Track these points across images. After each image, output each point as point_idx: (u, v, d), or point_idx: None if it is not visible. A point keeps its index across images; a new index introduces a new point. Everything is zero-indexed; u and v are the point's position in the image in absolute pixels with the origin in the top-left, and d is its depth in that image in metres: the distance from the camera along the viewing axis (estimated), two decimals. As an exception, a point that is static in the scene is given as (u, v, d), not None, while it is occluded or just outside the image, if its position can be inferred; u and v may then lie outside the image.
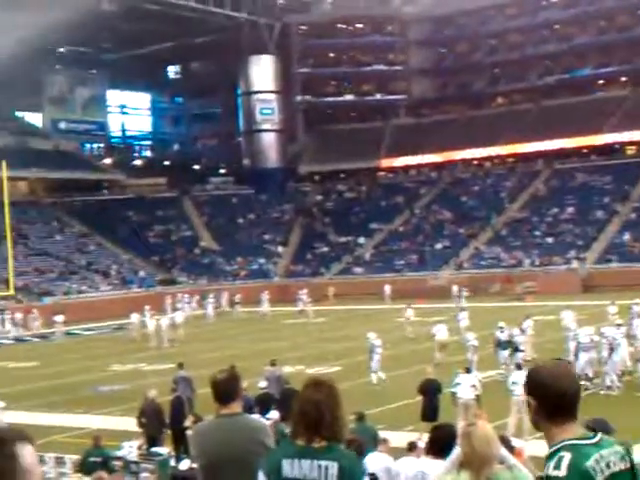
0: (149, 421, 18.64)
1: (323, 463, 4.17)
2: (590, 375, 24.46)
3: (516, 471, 5.33)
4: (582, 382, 23.80)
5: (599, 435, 3.42)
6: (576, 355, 24.66)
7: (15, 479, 2.11)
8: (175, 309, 53.37)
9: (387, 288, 58.17)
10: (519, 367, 20.92)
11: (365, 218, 76.59)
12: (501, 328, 27.85)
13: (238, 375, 5.68)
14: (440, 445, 6.43)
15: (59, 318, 48.22)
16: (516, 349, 26.39)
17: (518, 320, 30.46)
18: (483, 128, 77.70)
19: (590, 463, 3.27)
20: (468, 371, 20.70)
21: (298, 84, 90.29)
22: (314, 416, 4.22)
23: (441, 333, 31.35)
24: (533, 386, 3.46)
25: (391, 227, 74.57)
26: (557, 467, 3.31)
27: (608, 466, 3.31)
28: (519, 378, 19.81)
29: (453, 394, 19.82)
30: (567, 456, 3.29)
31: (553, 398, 3.38)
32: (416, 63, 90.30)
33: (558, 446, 3.36)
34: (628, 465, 3.38)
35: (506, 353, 26.78)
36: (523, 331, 28.29)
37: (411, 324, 39.96)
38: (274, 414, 16.56)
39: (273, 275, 70.84)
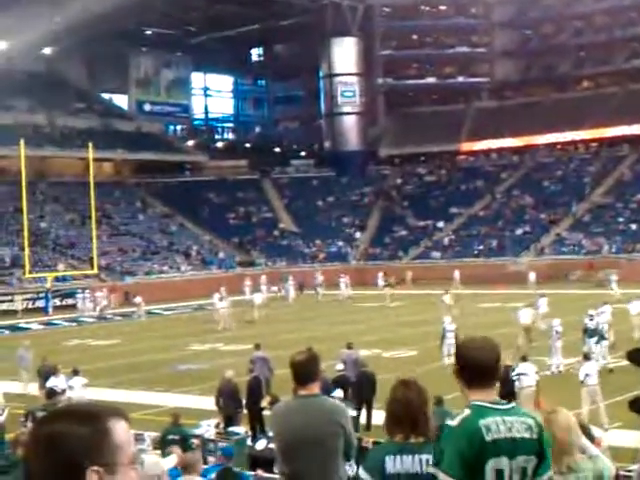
0: (226, 401, 18.85)
1: (424, 457, 4.36)
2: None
3: (599, 462, 5.32)
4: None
5: (512, 404, 3.86)
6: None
7: (106, 454, 2.14)
8: (256, 291, 53.73)
9: (457, 274, 57.68)
10: (587, 357, 20.58)
11: (444, 202, 76.03)
12: (590, 316, 27.39)
13: (317, 356, 5.73)
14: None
15: (137, 299, 48.95)
16: (602, 337, 25.94)
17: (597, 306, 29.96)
18: (567, 112, 76.33)
19: (484, 422, 3.67)
20: (524, 359, 20.45)
21: (380, 66, 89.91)
22: (408, 415, 4.48)
23: (524, 317, 31.14)
24: (457, 355, 3.95)
25: (471, 211, 73.91)
26: (453, 419, 3.78)
27: (509, 430, 3.68)
28: (590, 368, 19.58)
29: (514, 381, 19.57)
30: (466, 412, 3.75)
31: (470, 367, 3.82)
32: (499, 45, 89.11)
33: (466, 405, 3.80)
34: (535, 437, 3.73)
35: (593, 341, 26.39)
36: (591, 317, 27.68)
37: (449, 309, 39.76)
38: (338, 393, 16.60)
39: (351, 258, 70.88)
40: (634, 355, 16.38)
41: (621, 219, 65.59)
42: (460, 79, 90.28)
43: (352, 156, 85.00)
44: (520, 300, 44.65)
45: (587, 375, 19.56)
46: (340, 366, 20.55)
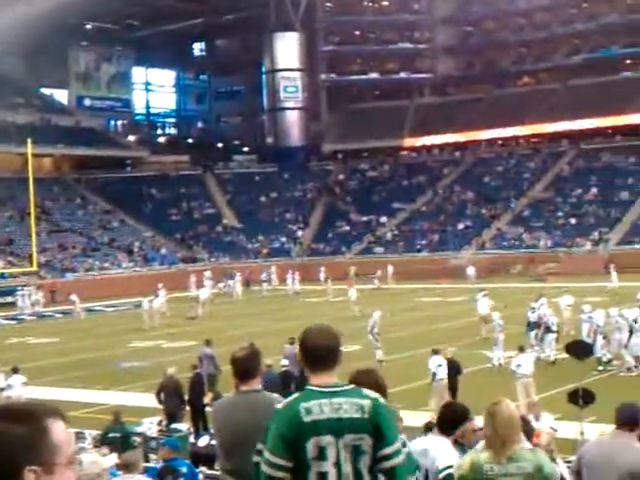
0: (168, 398, 18.72)
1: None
2: (604, 359, 24.30)
3: (539, 454, 5.42)
4: (599, 366, 23.71)
5: (347, 387, 4.12)
6: (594, 338, 24.51)
7: (43, 454, 2.11)
8: (200, 287, 53.50)
9: (390, 268, 58.40)
10: (522, 349, 20.84)
11: (387, 197, 76.41)
12: (532, 309, 27.79)
13: (258, 352, 5.69)
14: (448, 423, 6.43)
15: (73, 297, 48.42)
16: (548, 329, 26.26)
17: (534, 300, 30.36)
18: (508, 108, 77.14)
19: (306, 404, 3.99)
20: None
21: (323, 62, 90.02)
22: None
23: (482, 307, 31.95)
24: (299, 343, 4.26)
25: (413, 207, 74.37)
26: (280, 402, 4.24)
27: (336, 411, 3.97)
28: (522, 360, 19.87)
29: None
30: (295, 396, 4.12)
31: (306, 351, 4.18)
32: (441, 41, 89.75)
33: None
34: (366, 416, 3.97)
35: (533, 334, 26.76)
36: (533, 309, 28.10)
37: (355, 303, 41.29)
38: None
39: (294, 254, 70.90)
40: (572, 348, 16.70)
41: (560, 214, 66.51)
42: (403, 75, 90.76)
43: (295, 151, 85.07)
44: (461, 294, 45.22)
45: (518, 366, 19.85)
46: (285, 362, 20.53)
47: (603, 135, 74.31)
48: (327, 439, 4.00)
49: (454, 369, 19.82)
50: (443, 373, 19.93)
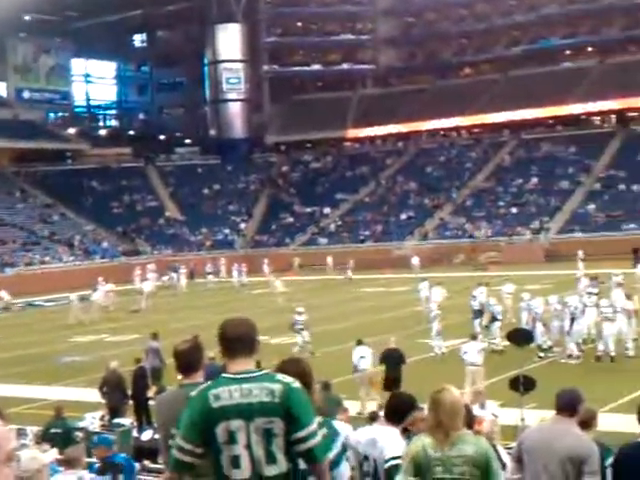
0: (111, 392, 18.55)
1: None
2: (544, 346, 24.65)
3: (482, 441, 5.52)
4: (540, 353, 24.03)
5: (259, 373, 4.31)
6: (533, 325, 24.81)
7: None
8: (144, 279, 53.07)
9: (330, 260, 58.71)
10: (474, 337, 21.09)
11: (331, 188, 76.50)
12: (474, 297, 28.10)
13: (201, 345, 5.64)
14: (396, 413, 6.46)
15: (2, 293, 47.68)
16: (494, 318, 26.53)
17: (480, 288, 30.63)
18: (450, 98, 77.63)
19: (215, 391, 4.22)
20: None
21: (265, 53, 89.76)
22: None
23: (436, 296, 32.27)
24: (217, 332, 4.47)
25: (357, 198, 74.56)
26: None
27: (246, 396, 4.19)
28: (470, 347, 20.11)
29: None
30: (207, 384, 4.35)
31: (221, 340, 4.42)
32: (383, 32, 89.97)
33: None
34: (277, 400, 4.18)
35: (477, 322, 27.03)
36: (474, 298, 28.43)
37: (280, 295, 41.88)
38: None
39: (238, 245, 70.67)
40: (513, 335, 16.90)
41: (502, 203, 67.17)
42: (345, 66, 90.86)
43: (238, 143, 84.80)
44: (405, 284, 45.48)
45: (465, 353, 20.06)
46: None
47: (543, 125, 75.26)
48: (236, 423, 4.19)
49: (397, 358, 19.91)
50: (365, 364, 20.05)
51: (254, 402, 4.21)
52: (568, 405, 6.23)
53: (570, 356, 23.99)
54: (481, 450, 5.36)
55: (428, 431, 5.46)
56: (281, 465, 4.26)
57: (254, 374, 4.31)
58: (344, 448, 5.58)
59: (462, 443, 5.33)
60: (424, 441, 5.42)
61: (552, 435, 6.16)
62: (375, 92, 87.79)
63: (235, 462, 4.22)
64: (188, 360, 5.48)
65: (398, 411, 6.48)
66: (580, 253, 47.38)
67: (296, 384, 4.32)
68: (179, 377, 5.59)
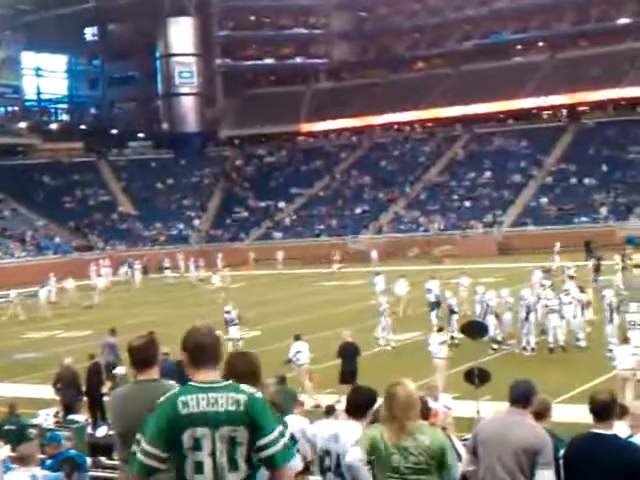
0: (65, 388, 18.39)
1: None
2: (498, 339, 24.88)
3: (438, 433, 5.69)
4: (493, 345, 24.26)
5: (225, 383, 4.41)
6: (484, 317, 25.00)
7: None
8: (99, 275, 52.62)
9: (280, 254, 58.78)
10: (440, 329, 21.31)
11: (285, 183, 76.44)
12: (429, 290, 28.29)
13: (155, 341, 5.67)
14: (358, 407, 6.49)
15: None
16: (451, 311, 26.72)
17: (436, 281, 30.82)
18: (403, 93, 77.94)
19: (183, 398, 4.33)
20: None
21: (218, 47, 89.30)
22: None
23: (400, 288, 32.83)
24: (182, 341, 4.54)
25: (311, 192, 74.58)
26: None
27: (212, 405, 4.30)
28: (432, 339, 20.31)
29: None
30: (175, 390, 4.45)
31: (187, 350, 4.49)
32: (336, 27, 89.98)
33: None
34: (242, 409, 4.30)
35: (434, 314, 27.21)
36: (430, 291, 28.65)
37: (218, 290, 42.03)
38: (120, 369, 17.89)
39: (192, 240, 70.35)
40: (467, 328, 17.00)
41: (455, 197, 67.61)
42: (298, 60, 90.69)
43: (191, 137, 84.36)
44: (361, 278, 45.60)
45: (428, 345, 20.30)
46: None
47: (496, 119, 75.83)
48: (202, 431, 4.32)
49: (353, 351, 19.97)
50: (304, 358, 20.09)
51: (220, 411, 4.33)
52: (522, 396, 6.28)
53: (525, 348, 24.23)
54: (437, 441, 5.50)
55: (383, 423, 5.58)
56: (242, 472, 4.40)
57: (220, 384, 4.42)
58: (293, 440, 5.63)
59: (419, 434, 5.46)
60: (378, 432, 5.54)
61: (506, 426, 6.21)
62: (328, 86, 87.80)
63: (198, 468, 4.34)
64: (143, 356, 5.50)
65: (360, 405, 6.52)
66: (557, 245, 47.29)
67: (259, 394, 4.45)
68: (134, 373, 5.58)
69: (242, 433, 4.34)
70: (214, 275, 45.41)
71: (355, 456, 5.64)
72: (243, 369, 4.79)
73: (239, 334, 26.55)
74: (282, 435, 4.46)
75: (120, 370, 23.28)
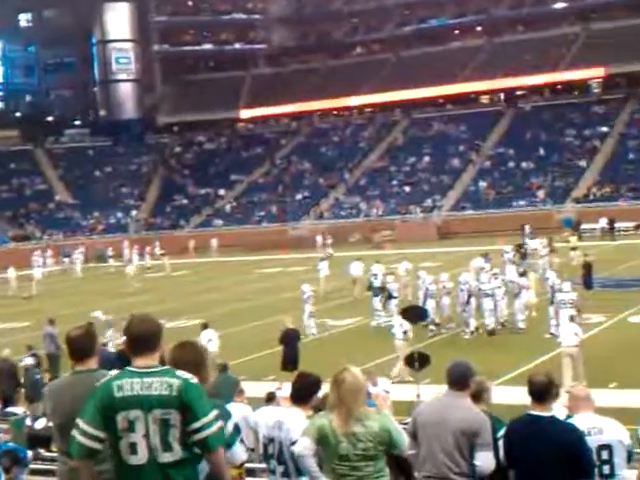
0: (3, 380, 18.11)
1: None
2: (437, 321, 25.11)
3: (386, 418, 5.78)
4: (431, 327, 24.43)
5: (160, 368, 4.59)
6: (424, 302, 25.14)
7: None
8: (39, 265, 51.86)
9: (214, 242, 58.69)
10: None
11: (225, 169, 76.08)
12: (374, 275, 28.37)
13: (94, 331, 5.68)
14: (302, 393, 6.50)
15: None
16: (390, 296, 26.85)
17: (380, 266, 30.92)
18: (342, 78, 77.98)
19: (118, 382, 4.55)
20: (205, 327, 21.30)
21: (155, 33, 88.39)
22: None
23: (355, 269, 33.23)
24: (124, 329, 4.79)
25: (251, 178, 74.34)
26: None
27: (146, 389, 4.50)
28: (397, 322, 20.48)
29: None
30: (111, 375, 4.69)
31: (128, 338, 4.73)
32: (275, 12, 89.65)
33: None
34: (174, 394, 4.47)
35: (377, 299, 27.32)
36: (375, 276, 28.75)
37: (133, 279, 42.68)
38: (28, 360, 17.94)
39: (131, 229, 69.67)
40: (407, 312, 17.11)
41: (395, 182, 67.90)
42: (237, 46, 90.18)
43: (129, 124, 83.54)
44: (302, 264, 45.61)
45: (392, 326, 20.69)
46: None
47: (434, 104, 76.21)
48: (135, 413, 4.51)
49: (294, 338, 19.99)
50: (213, 347, 20.07)
51: (153, 395, 4.50)
52: (459, 379, 6.34)
53: (464, 332, 24.47)
54: (385, 426, 5.60)
55: (331, 410, 5.62)
56: (176, 453, 4.54)
57: (156, 369, 4.60)
58: (238, 430, 5.63)
59: (367, 420, 5.54)
60: (329, 417, 5.60)
61: (444, 409, 6.26)
62: (268, 72, 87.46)
63: (133, 449, 4.52)
64: (81, 347, 5.48)
65: (304, 392, 6.53)
66: (527, 228, 47.40)
67: (194, 380, 4.59)
68: (72, 364, 5.53)
69: (175, 416, 4.50)
70: (128, 265, 45.16)
71: (303, 446, 5.70)
72: (188, 358, 4.88)
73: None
74: (217, 419, 4.59)
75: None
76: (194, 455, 4.59)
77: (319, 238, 55.20)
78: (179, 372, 4.61)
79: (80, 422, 4.62)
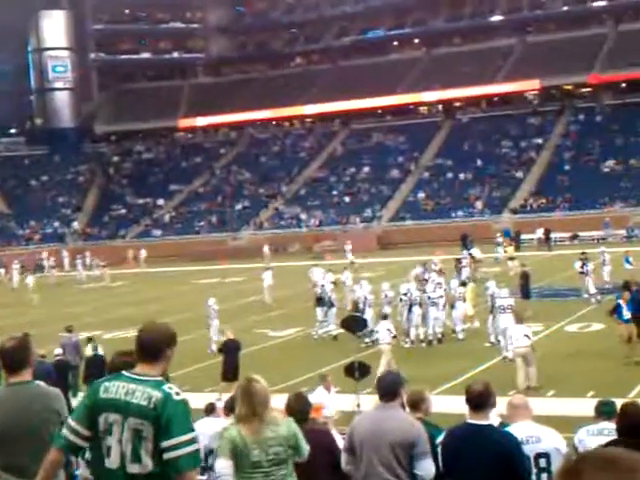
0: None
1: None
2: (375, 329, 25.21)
3: (292, 424, 5.87)
4: (366, 339, 24.44)
5: (150, 378, 4.46)
6: (364, 311, 25.15)
7: None
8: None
9: (143, 252, 58.32)
10: (385, 317, 21.68)
11: (164, 179, 75.63)
12: (322, 286, 28.36)
13: (28, 342, 5.55)
14: (232, 404, 6.48)
15: None
16: (331, 304, 26.89)
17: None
18: (282, 88, 78.09)
19: (107, 383, 4.54)
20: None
21: (92, 41, 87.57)
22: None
23: (317, 275, 33.08)
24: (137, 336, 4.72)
25: (191, 188, 73.99)
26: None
27: (129, 395, 4.42)
28: (381, 328, 20.64)
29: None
30: (108, 377, 4.70)
31: (135, 346, 4.65)
32: (214, 21, 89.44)
33: None
34: (151, 406, 4.35)
35: (319, 310, 27.28)
36: (322, 286, 28.75)
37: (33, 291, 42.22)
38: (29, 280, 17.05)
39: (68, 239, 68.82)
40: (347, 322, 17.10)
41: (335, 192, 68.08)
42: (175, 55, 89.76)
43: (66, 133, 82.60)
44: (241, 274, 45.45)
45: (377, 332, 21.33)
46: (59, 350, 19.92)
47: (373, 115, 76.64)
48: (114, 417, 4.45)
49: (235, 348, 19.86)
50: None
51: (132, 402, 4.42)
52: (388, 390, 6.35)
53: (405, 341, 24.54)
54: (291, 429, 5.73)
55: (240, 420, 5.71)
56: (145, 466, 4.40)
57: (145, 378, 4.50)
58: None
59: (274, 425, 5.66)
60: (238, 428, 5.68)
61: (378, 422, 6.27)
62: (207, 81, 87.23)
63: (108, 452, 4.49)
64: (14, 358, 5.37)
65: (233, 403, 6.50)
66: (498, 235, 47.72)
67: (179, 397, 4.43)
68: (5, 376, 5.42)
69: (148, 429, 4.38)
70: (29, 276, 44.85)
71: (221, 467, 5.72)
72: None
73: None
74: (193, 441, 4.43)
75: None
76: (165, 473, 4.39)
77: (266, 248, 54.76)
78: (167, 386, 4.47)
79: (69, 418, 4.67)
